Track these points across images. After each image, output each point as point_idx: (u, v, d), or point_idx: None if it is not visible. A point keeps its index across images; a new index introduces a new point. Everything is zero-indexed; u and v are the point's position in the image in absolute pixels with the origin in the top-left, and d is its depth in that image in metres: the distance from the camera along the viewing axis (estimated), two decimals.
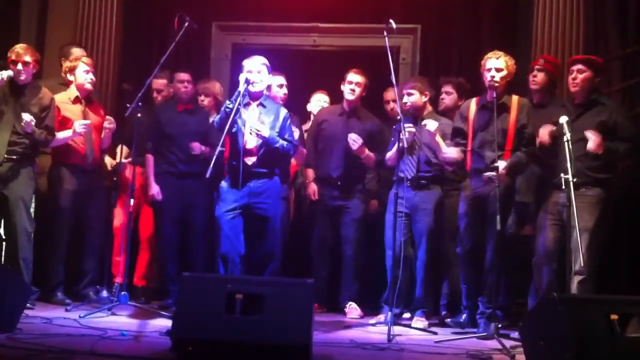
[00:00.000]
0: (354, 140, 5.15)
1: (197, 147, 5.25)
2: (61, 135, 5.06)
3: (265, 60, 4.79)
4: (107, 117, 5.36)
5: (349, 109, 5.43)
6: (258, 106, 4.78)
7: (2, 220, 4.97)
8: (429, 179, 4.99)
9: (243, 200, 4.64)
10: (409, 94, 5.08)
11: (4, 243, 4.99)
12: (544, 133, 4.57)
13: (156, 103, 5.71)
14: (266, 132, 4.64)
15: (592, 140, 4.37)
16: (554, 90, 5.16)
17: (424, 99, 5.08)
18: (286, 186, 5.36)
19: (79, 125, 5.05)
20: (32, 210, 5.02)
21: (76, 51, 5.61)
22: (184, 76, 5.49)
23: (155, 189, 5.36)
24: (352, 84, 5.36)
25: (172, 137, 5.37)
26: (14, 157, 4.82)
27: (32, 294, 4.74)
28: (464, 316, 4.79)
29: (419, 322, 4.85)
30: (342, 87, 5.42)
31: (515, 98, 4.74)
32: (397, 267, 4.76)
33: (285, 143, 4.74)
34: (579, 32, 5.72)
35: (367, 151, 5.22)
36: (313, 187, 5.40)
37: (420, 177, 4.98)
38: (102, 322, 4.29)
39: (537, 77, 5.06)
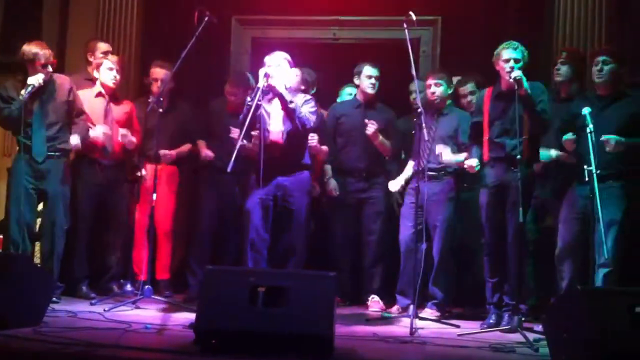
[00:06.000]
0: (371, 123, 5.20)
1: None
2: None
3: (287, 55, 4.78)
4: (121, 132, 5.28)
5: (366, 101, 5.46)
6: None
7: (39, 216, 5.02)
8: (438, 170, 4.97)
9: (270, 192, 4.66)
10: (437, 85, 5.08)
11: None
12: (567, 143, 4.55)
13: (153, 94, 5.55)
14: (282, 89, 4.60)
15: (610, 144, 4.29)
16: (580, 82, 5.07)
17: (449, 91, 5.15)
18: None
19: (102, 131, 5.14)
20: None
21: (102, 46, 5.64)
22: (232, 90, 5.52)
23: (207, 152, 5.44)
24: (372, 78, 5.40)
25: (218, 137, 5.42)
26: (53, 153, 4.87)
27: (57, 289, 4.81)
28: (493, 317, 4.57)
29: (428, 313, 4.84)
30: (357, 81, 5.47)
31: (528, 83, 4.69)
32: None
33: (302, 112, 4.66)
34: (602, 21, 5.66)
35: (380, 138, 5.27)
36: (333, 183, 5.41)
37: (429, 168, 4.96)
38: (127, 315, 4.33)
39: (561, 70, 5.00)
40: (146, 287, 4.70)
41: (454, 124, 5.10)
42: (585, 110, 4.27)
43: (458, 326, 4.50)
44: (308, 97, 4.84)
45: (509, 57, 4.54)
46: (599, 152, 4.17)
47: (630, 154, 4.38)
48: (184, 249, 5.72)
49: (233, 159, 4.29)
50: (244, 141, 4.57)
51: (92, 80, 5.39)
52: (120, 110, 5.42)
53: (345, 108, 5.57)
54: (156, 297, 4.82)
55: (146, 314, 4.49)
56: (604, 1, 5.65)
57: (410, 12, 4.65)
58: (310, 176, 4.94)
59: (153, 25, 6.56)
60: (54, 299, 4.49)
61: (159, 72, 5.56)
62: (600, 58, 4.53)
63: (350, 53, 6.45)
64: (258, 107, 4.55)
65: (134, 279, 5.44)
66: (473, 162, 4.67)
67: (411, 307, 4.37)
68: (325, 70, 5.93)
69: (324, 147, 5.35)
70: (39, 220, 5.08)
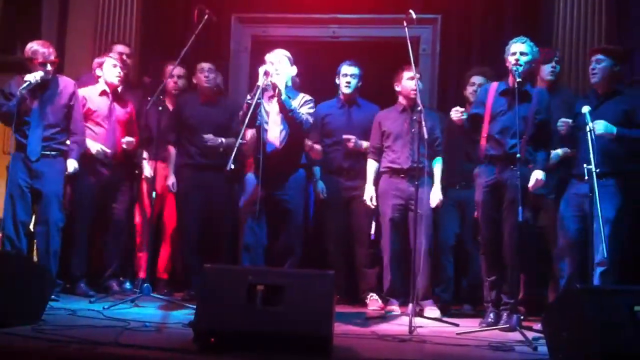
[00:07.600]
0: (347, 139, 5.24)
1: (210, 138, 5.25)
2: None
3: (287, 53, 4.78)
4: (126, 139, 5.31)
5: (347, 100, 5.48)
6: None
7: (33, 215, 5.03)
8: (424, 169, 4.90)
9: (267, 191, 4.64)
10: (420, 79, 5.07)
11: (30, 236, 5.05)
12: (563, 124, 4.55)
13: (173, 92, 5.64)
14: (281, 86, 4.57)
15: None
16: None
17: None
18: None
19: (100, 149, 5.17)
20: None
21: (118, 47, 5.68)
22: (205, 65, 5.47)
23: (171, 180, 5.39)
24: (347, 76, 5.43)
25: (194, 129, 5.38)
26: (48, 152, 4.88)
27: (56, 286, 4.81)
28: (491, 315, 4.52)
29: (431, 311, 4.83)
30: (338, 81, 5.49)
31: (536, 88, 4.69)
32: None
33: (301, 114, 4.67)
34: (601, 20, 5.67)
35: (364, 145, 5.28)
36: (321, 186, 5.41)
37: (414, 168, 4.76)
38: (126, 313, 4.33)
39: (557, 69, 5.05)
40: (145, 285, 4.70)
41: (429, 125, 4.85)
42: (585, 109, 4.28)
43: (457, 325, 4.49)
44: (308, 97, 4.82)
45: (515, 50, 4.52)
46: (598, 150, 4.17)
47: (627, 153, 4.38)
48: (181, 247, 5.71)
49: (232, 158, 4.29)
50: (242, 140, 4.55)
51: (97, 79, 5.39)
52: (123, 110, 5.42)
53: (329, 108, 5.55)
54: (155, 295, 4.82)
55: (145, 312, 4.50)
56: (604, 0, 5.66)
57: (410, 11, 4.64)
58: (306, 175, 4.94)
59: (153, 23, 6.55)
60: (53, 296, 4.49)
61: (178, 70, 5.51)
62: (594, 57, 4.55)
63: (349, 51, 6.44)
64: (257, 105, 4.55)
65: (133, 277, 5.44)
66: (458, 109, 4.68)
67: (410, 305, 4.36)
68: (325, 68, 5.92)
69: (317, 146, 5.36)
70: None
